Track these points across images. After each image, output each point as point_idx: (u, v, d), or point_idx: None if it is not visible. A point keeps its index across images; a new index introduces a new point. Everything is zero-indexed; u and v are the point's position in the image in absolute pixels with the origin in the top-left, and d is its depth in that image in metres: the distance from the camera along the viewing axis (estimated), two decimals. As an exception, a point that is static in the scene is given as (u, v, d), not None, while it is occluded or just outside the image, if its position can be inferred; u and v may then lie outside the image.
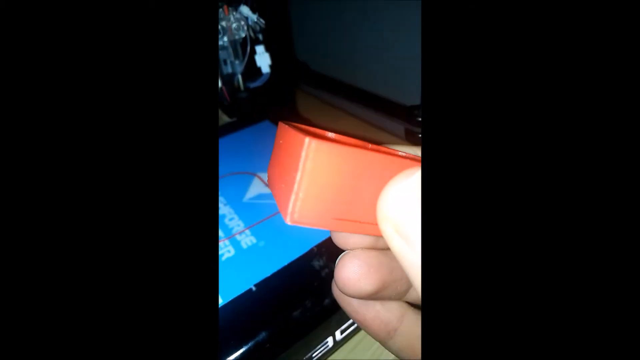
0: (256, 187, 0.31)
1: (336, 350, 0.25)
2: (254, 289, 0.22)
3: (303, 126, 0.11)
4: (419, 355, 0.16)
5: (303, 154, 0.08)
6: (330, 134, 0.10)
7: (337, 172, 0.09)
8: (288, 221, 0.09)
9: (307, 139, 0.08)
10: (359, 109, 0.50)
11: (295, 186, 0.08)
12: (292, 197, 0.09)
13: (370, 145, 0.10)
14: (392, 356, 0.17)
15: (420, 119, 0.29)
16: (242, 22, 0.31)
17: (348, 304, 0.16)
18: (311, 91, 0.58)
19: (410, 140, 0.31)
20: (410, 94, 0.38)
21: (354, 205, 0.09)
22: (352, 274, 0.14)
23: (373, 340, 0.25)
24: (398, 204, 0.08)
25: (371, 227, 0.09)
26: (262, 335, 0.20)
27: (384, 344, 0.16)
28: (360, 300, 0.15)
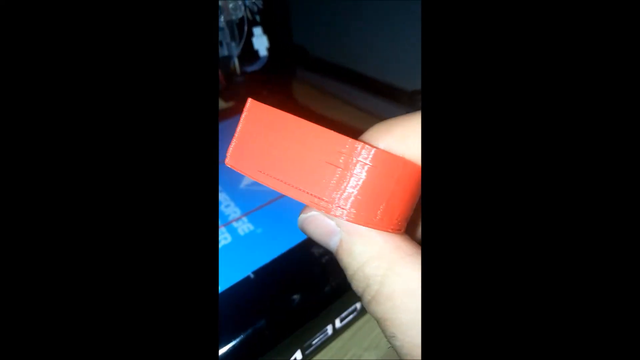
0: (253, 174, 0.30)
1: (336, 337, 0.25)
2: (252, 276, 0.21)
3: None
4: None
5: (245, 111, 0.11)
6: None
7: (267, 130, 0.10)
8: (226, 162, 0.11)
9: (249, 99, 0.11)
10: (358, 96, 0.49)
11: (235, 135, 0.11)
12: (232, 143, 0.11)
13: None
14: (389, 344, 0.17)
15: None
16: (240, 2, 0.30)
17: None
18: (309, 77, 0.56)
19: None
20: (412, 78, 0.37)
21: (278, 164, 0.10)
22: None
23: (372, 327, 0.25)
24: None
25: (289, 188, 0.10)
26: (261, 322, 0.19)
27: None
28: None
